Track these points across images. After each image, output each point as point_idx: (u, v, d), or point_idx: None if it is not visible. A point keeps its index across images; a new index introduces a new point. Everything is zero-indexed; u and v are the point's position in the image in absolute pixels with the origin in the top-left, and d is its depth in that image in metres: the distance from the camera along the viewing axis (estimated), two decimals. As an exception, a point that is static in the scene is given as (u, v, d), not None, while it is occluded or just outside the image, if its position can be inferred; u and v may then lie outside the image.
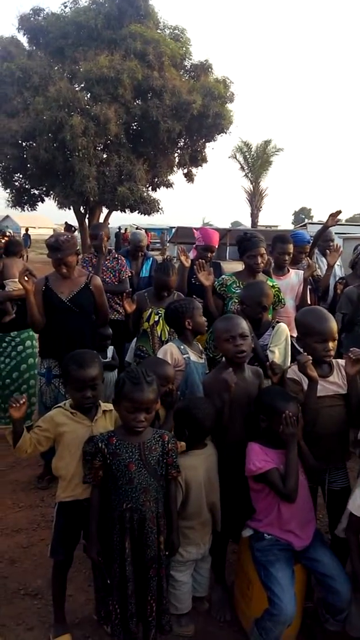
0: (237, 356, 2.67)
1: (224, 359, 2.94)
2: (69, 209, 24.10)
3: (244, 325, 2.72)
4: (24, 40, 23.19)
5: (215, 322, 2.91)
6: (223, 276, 4.03)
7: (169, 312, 3.29)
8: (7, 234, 4.44)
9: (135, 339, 4.03)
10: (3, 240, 4.41)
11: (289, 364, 3.13)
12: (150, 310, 3.83)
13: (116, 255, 5.33)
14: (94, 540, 2.29)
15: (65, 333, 3.71)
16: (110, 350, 4.44)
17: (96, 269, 4.83)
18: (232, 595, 2.85)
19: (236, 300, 3.79)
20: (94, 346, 3.91)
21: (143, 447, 2.24)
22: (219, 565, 2.90)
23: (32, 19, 22.86)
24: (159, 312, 3.78)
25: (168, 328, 3.73)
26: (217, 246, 4.85)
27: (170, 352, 3.11)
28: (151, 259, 6.06)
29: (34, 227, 47.00)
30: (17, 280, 4.21)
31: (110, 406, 2.45)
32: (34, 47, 23.14)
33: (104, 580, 2.32)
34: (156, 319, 3.80)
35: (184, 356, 3.13)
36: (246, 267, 3.90)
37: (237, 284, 3.85)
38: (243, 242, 3.88)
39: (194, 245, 4.92)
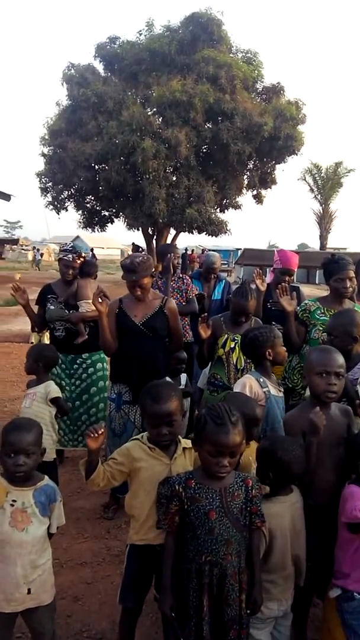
0: (327, 395, 2.40)
1: (308, 393, 2.69)
2: (138, 230, 24.53)
3: (342, 362, 2.43)
4: (99, 67, 24.14)
5: (310, 352, 2.65)
6: (306, 301, 3.77)
7: (248, 340, 3.06)
8: (83, 254, 4.35)
9: (209, 366, 3.82)
10: (79, 261, 4.35)
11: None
12: (226, 336, 3.62)
13: (181, 275, 5.17)
14: (167, 594, 2.05)
15: (137, 357, 3.55)
16: (183, 377, 4.27)
17: (165, 291, 4.66)
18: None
19: (320, 328, 3.53)
20: (167, 371, 3.75)
21: (225, 493, 2.00)
22: (300, 623, 2.61)
23: (108, 47, 23.77)
24: (235, 338, 3.56)
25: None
26: (296, 269, 4.60)
27: (250, 385, 2.88)
28: (224, 281, 5.86)
29: (102, 248, 48.29)
30: (91, 301, 4.15)
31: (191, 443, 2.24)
32: (109, 74, 23.99)
33: (176, 636, 2.10)
34: (232, 345, 3.58)
35: (264, 389, 2.89)
36: (332, 291, 3.62)
37: (322, 310, 3.58)
38: (330, 264, 3.60)
39: (271, 268, 4.69)
